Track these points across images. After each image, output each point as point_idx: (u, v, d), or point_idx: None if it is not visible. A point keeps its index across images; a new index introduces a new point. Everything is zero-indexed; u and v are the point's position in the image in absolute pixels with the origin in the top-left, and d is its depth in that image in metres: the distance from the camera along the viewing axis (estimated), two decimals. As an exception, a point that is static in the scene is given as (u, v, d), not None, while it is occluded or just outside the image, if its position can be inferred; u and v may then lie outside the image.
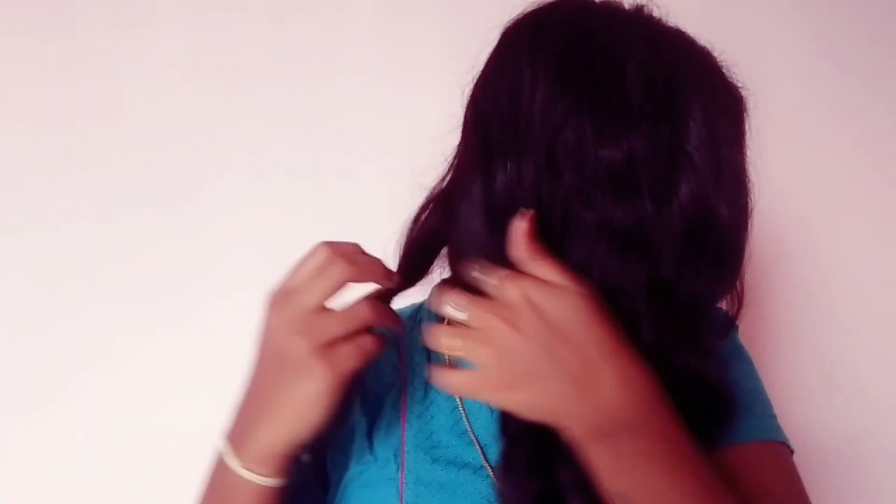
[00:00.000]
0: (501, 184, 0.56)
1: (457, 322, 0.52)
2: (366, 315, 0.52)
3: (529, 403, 0.50)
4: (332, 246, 0.53)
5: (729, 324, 0.63)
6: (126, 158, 1.04)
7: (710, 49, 0.60)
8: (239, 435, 0.54)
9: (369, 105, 1.07)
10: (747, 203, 0.59)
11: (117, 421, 1.02)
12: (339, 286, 0.52)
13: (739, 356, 0.67)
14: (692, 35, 0.60)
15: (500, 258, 0.53)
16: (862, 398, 1.11)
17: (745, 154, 0.61)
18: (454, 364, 0.57)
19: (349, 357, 0.51)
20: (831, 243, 1.13)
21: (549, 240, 0.54)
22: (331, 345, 0.51)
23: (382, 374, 0.68)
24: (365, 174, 1.05)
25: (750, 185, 0.60)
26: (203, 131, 1.06)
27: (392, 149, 1.01)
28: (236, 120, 1.06)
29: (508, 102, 0.56)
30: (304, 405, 0.51)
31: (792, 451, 0.63)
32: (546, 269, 0.51)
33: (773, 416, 0.64)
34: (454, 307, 0.52)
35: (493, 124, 0.57)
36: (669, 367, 0.55)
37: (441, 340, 0.51)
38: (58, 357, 1.02)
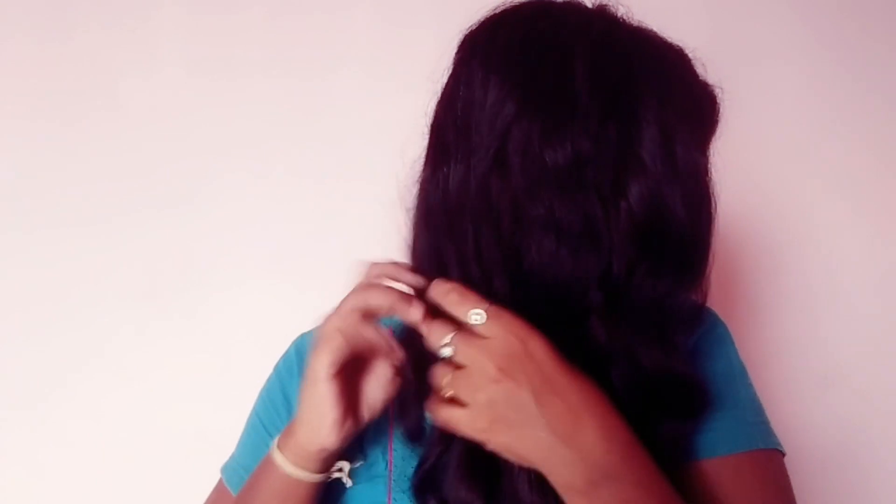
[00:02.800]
0: (453, 185, 0.57)
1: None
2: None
3: (515, 448, 0.51)
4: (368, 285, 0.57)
5: (696, 316, 0.62)
6: (124, 158, 1.05)
7: (679, 47, 0.60)
8: (285, 440, 0.60)
9: (368, 104, 1.07)
10: (708, 204, 0.59)
11: (117, 421, 1.03)
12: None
13: (730, 364, 0.66)
14: (658, 33, 0.60)
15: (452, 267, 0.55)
16: (860, 399, 1.10)
17: (707, 154, 0.60)
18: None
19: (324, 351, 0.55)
20: (829, 244, 1.12)
21: (500, 239, 0.55)
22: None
23: None
24: (364, 173, 1.04)
25: (711, 186, 0.60)
26: (202, 131, 1.06)
27: (392, 148, 1.02)
28: (235, 120, 1.06)
29: (462, 105, 0.58)
30: (314, 411, 0.57)
31: (783, 454, 0.63)
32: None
33: (765, 423, 0.63)
34: (441, 343, 0.53)
35: (448, 127, 0.59)
36: (639, 366, 0.56)
37: (435, 377, 0.53)
38: (58, 357, 1.03)
